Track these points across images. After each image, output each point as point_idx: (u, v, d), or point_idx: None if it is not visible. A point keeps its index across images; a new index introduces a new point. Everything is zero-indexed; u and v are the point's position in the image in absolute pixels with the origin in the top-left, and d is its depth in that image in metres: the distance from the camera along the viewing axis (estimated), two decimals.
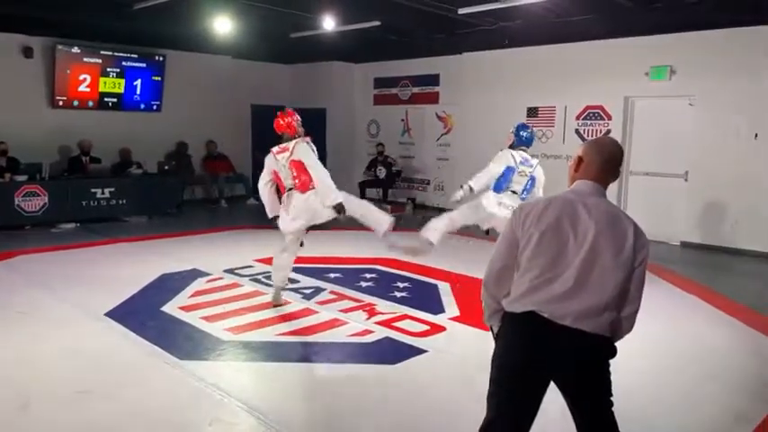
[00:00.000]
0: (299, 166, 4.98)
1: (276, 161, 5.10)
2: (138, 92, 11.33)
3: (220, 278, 6.35)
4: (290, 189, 5.08)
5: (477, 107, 10.84)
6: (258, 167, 13.28)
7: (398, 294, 5.91)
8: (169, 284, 6.05)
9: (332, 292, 5.87)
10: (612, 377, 2.25)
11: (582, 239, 2.18)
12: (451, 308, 5.49)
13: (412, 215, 11.49)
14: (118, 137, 10.73)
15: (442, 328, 4.97)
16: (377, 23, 9.71)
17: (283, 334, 4.74)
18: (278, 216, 5.28)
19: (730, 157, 8.17)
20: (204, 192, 12.23)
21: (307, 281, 6.26)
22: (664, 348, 4.59)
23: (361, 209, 5.37)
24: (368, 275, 6.57)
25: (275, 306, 5.38)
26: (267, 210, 5.38)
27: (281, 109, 5.32)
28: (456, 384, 3.91)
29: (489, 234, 5.72)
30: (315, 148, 5.17)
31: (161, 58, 11.46)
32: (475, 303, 5.01)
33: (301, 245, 5.38)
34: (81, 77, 10.54)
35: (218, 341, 4.56)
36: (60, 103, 10.39)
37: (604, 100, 9.41)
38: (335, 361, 4.33)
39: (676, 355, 4.53)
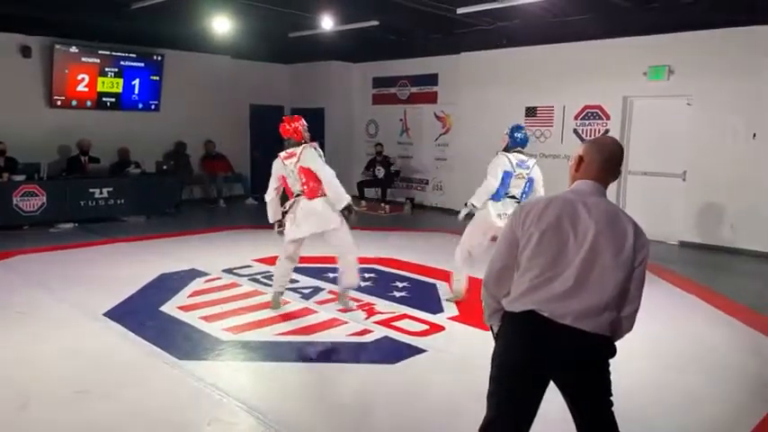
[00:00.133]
0: (308, 173, 5.00)
1: (284, 166, 5.09)
2: (137, 91, 11.31)
3: (219, 278, 6.34)
4: (299, 194, 5.08)
5: (475, 107, 10.84)
6: (256, 167, 13.42)
7: (397, 294, 5.92)
8: (168, 284, 6.04)
9: (331, 292, 5.87)
10: (612, 377, 2.26)
11: (582, 239, 2.18)
12: (450, 307, 5.48)
13: (410, 215, 11.51)
14: (116, 137, 10.72)
15: (441, 327, 4.97)
16: (375, 23, 9.71)
17: (282, 334, 4.74)
18: (280, 222, 5.27)
19: (728, 156, 8.19)
20: (202, 191, 12.21)
21: (305, 280, 6.26)
22: (663, 348, 4.59)
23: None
24: (367, 275, 6.55)
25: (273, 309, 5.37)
26: (269, 215, 5.34)
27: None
28: (455, 384, 3.91)
29: (495, 240, 5.68)
30: (322, 153, 5.18)
31: (159, 58, 11.44)
32: (474, 303, 5.03)
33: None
34: (79, 77, 10.53)
35: (217, 341, 4.55)
36: (58, 102, 10.38)
37: (603, 100, 9.42)
38: (335, 360, 4.33)
39: (676, 354, 4.54)
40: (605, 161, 2.29)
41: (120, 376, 3.90)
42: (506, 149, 5.42)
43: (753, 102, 7.97)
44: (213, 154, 12.30)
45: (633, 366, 3.78)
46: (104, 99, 10.92)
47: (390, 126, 12.77)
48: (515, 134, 5.46)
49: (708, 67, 8.22)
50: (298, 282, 6.18)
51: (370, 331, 4.82)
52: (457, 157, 11.36)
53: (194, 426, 3.33)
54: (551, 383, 2.25)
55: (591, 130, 9.59)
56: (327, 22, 9.46)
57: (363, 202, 11.71)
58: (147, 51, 11.31)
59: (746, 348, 4.68)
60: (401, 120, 12.60)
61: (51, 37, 10.16)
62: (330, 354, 4.44)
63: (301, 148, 5.04)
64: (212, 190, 12.09)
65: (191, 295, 5.71)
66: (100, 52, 10.72)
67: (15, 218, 8.70)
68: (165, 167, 10.90)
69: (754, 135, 7.98)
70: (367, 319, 5.12)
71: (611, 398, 2.27)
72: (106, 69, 10.82)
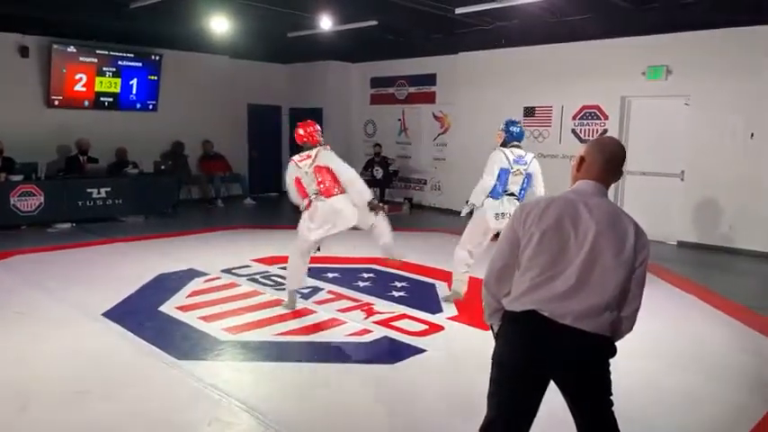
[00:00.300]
0: (323, 171, 5.06)
1: (299, 168, 5.16)
2: (135, 91, 11.29)
3: (218, 278, 6.34)
4: (315, 195, 5.10)
5: (473, 107, 10.85)
6: (254, 167, 13.37)
7: (396, 294, 5.91)
8: (166, 284, 6.04)
9: (330, 292, 5.87)
10: (612, 377, 2.26)
11: (582, 239, 2.18)
12: (450, 307, 5.48)
13: (409, 215, 11.50)
14: (114, 136, 10.69)
15: (441, 327, 4.97)
16: (374, 23, 9.70)
17: (281, 334, 4.73)
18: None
19: (726, 156, 8.20)
20: (200, 192, 12.19)
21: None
22: (663, 348, 4.59)
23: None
24: (365, 275, 6.57)
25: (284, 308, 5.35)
26: (295, 202, 5.39)
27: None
28: (455, 384, 3.91)
29: (496, 238, 5.66)
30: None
31: (157, 58, 11.42)
32: (473, 303, 5.03)
33: (318, 249, 5.40)
34: (77, 77, 10.50)
35: (217, 341, 4.55)
36: (56, 102, 10.35)
37: (601, 100, 9.44)
38: (334, 360, 4.33)
39: (676, 354, 4.54)
40: (607, 162, 2.29)
41: (119, 376, 3.89)
42: (503, 145, 5.34)
43: (751, 102, 7.98)
44: (211, 154, 12.27)
45: (633, 366, 3.78)
46: (102, 99, 10.89)
47: (388, 126, 12.78)
48: (511, 128, 5.37)
49: (706, 67, 8.24)
50: None
51: (369, 331, 4.82)
52: (455, 156, 11.36)
53: (194, 426, 3.32)
54: (552, 383, 2.25)
55: (589, 130, 9.60)
56: (326, 22, 9.46)
57: None
58: (145, 51, 11.29)
59: (746, 348, 4.69)
60: (399, 120, 12.60)
61: (49, 37, 10.13)
62: (330, 354, 4.43)
63: (316, 150, 5.13)
64: (210, 190, 12.07)
65: (189, 295, 5.70)
66: (98, 52, 10.69)
67: (13, 218, 8.68)
68: (162, 167, 10.87)
69: (752, 135, 7.99)
70: (366, 319, 5.12)
71: (612, 397, 2.27)
72: (104, 69, 10.80)
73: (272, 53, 12.78)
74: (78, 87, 10.56)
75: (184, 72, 11.78)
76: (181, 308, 5.29)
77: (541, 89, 10.00)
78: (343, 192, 5.11)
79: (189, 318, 5.03)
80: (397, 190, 12.52)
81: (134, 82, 11.23)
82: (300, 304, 5.47)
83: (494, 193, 5.29)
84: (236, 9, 8.96)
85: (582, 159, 2.33)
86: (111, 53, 10.87)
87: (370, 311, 5.32)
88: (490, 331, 2.46)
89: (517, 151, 5.31)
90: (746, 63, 7.96)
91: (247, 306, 5.39)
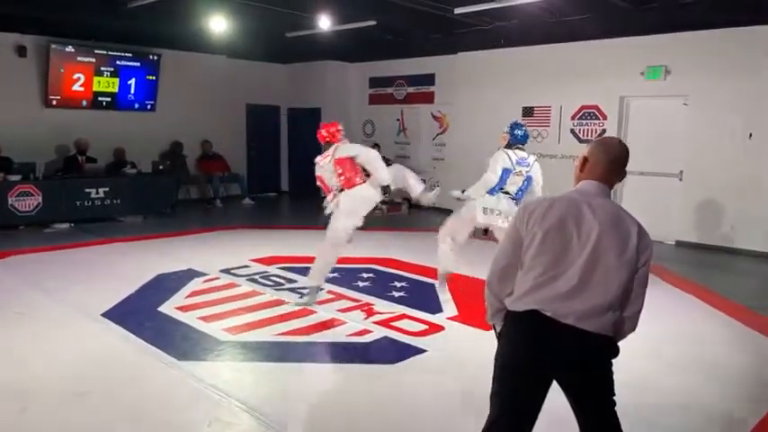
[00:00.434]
0: (343, 163, 5.21)
1: (321, 167, 5.32)
2: (133, 91, 11.27)
3: (217, 278, 6.32)
4: (338, 189, 5.24)
5: (472, 107, 10.85)
6: (253, 167, 13.35)
7: (396, 294, 5.90)
8: (165, 284, 6.02)
9: (329, 292, 5.86)
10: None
11: (585, 239, 2.18)
12: (449, 307, 5.48)
13: (408, 215, 11.51)
14: (112, 136, 10.68)
15: (441, 327, 4.97)
16: (372, 23, 9.69)
17: (281, 334, 4.72)
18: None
19: (725, 156, 8.21)
20: (199, 192, 12.17)
21: (304, 281, 6.21)
22: (663, 348, 4.58)
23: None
24: (365, 275, 6.56)
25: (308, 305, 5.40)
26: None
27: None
28: (455, 384, 3.90)
29: (487, 234, 5.71)
30: None
31: (155, 58, 11.40)
32: (473, 303, 5.03)
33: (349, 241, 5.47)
34: (75, 77, 10.48)
35: (216, 341, 4.54)
36: (54, 102, 10.33)
37: (600, 100, 9.44)
38: (334, 361, 4.32)
39: (676, 355, 4.53)
40: (611, 162, 2.30)
41: (119, 377, 3.88)
42: (508, 147, 5.46)
43: (750, 102, 7.99)
44: (210, 154, 12.26)
45: (633, 366, 3.77)
46: (100, 99, 10.88)
47: (387, 126, 12.77)
48: (515, 131, 5.51)
49: (705, 67, 8.25)
50: (296, 282, 6.18)
51: (369, 331, 4.81)
52: (454, 156, 11.36)
53: (195, 426, 3.31)
54: (554, 383, 2.25)
55: (588, 130, 9.61)
56: (325, 22, 9.45)
57: None
58: (144, 51, 11.27)
59: (746, 348, 4.69)
60: (398, 120, 12.60)
61: (47, 36, 10.12)
62: (330, 354, 4.43)
63: (335, 146, 5.30)
64: (208, 190, 12.06)
65: (189, 296, 5.69)
66: (96, 52, 10.67)
67: (11, 218, 8.66)
68: (161, 167, 10.85)
69: (751, 135, 8.00)
70: (366, 319, 5.11)
71: (614, 397, 2.26)
72: (102, 69, 10.78)
73: (271, 53, 12.78)
74: (76, 87, 10.54)
75: (183, 72, 11.76)
76: (180, 308, 5.28)
77: (540, 89, 10.00)
78: (365, 181, 5.30)
79: (188, 318, 5.02)
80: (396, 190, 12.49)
81: (132, 82, 11.22)
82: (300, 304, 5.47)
83: (490, 190, 5.40)
84: (234, 9, 8.95)
85: (585, 160, 2.33)
86: (110, 53, 10.85)
87: (370, 311, 5.31)
88: (492, 331, 2.46)
89: (520, 153, 5.43)
90: (745, 63, 7.97)
91: (247, 306, 5.37)
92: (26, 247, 7.61)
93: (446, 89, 11.52)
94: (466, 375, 3.95)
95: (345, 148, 5.30)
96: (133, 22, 9.56)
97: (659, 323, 4.93)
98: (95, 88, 10.76)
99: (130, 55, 11.10)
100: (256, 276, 6.40)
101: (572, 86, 9.61)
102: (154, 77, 11.44)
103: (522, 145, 5.52)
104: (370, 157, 5.28)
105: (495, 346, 2.34)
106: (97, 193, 9.56)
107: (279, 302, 5.50)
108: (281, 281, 6.26)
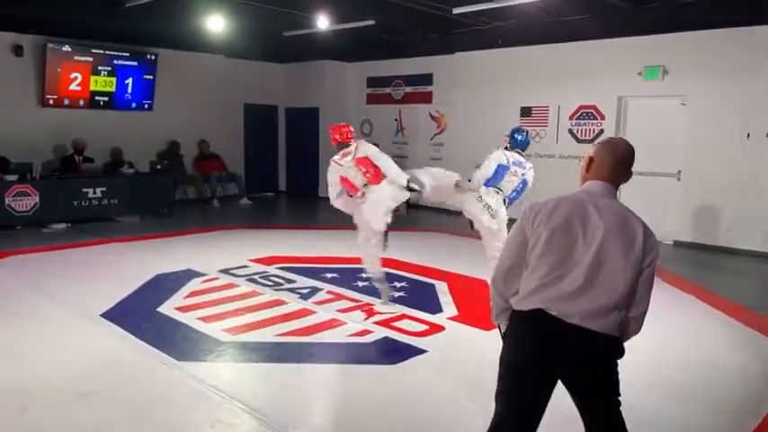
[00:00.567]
0: (366, 162, 5.27)
1: (341, 167, 5.34)
2: (130, 91, 11.23)
3: (216, 278, 6.30)
4: (365, 186, 5.27)
5: (470, 107, 10.85)
6: (251, 166, 13.32)
7: (396, 294, 5.88)
8: (164, 285, 6.00)
9: (329, 292, 5.85)
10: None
11: (591, 239, 2.18)
12: (449, 307, 5.45)
13: (406, 215, 11.48)
14: (109, 136, 10.62)
15: (441, 327, 4.94)
16: (371, 23, 9.68)
17: (282, 334, 4.71)
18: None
19: (723, 156, 8.22)
20: (196, 191, 12.14)
21: (303, 281, 6.24)
22: (663, 348, 4.58)
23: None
24: (364, 275, 6.52)
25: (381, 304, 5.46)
26: (348, 212, 5.54)
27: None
28: (456, 384, 3.90)
29: (473, 228, 5.67)
30: None
31: (153, 57, 11.36)
32: (473, 303, 5.03)
33: (385, 246, 5.53)
34: (72, 76, 10.44)
35: (216, 342, 4.52)
36: (51, 101, 10.28)
37: (598, 100, 9.45)
38: (335, 361, 4.31)
39: (675, 355, 4.54)
40: (617, 162, 2.30)
41: (120, 378, 3.86)
42: (507, 150, 5.57)
43: (749, 102, 8.00)
44: (207, 153, 12.23)
45: (633, 366, 3.77)
46: (97, 98, 10.83)
47: (385, 126, 12.75)
48: (516, 135, 5.63)
49: (703, 68, 8.26)
50: (295, 282, 6.17)
51: (369, 332, 4.80)
52: (452, 156, 11.31)
53: (196, 427, 3.30)
54: (559, 383, 2.24)
55: (585, 130, 9.61)
56: (323, 22, 9.44)
57: None
58: (141, 50, 11.23)
59: (746, 348, 4.70)
60: (396, 120, 12.59)
61: (44, 36, 10.07)
62: (330, 354, 4.42)
63: (354, 145, 5.37)
64: (206, 190, 12.03)
65: (188, 296, 5.67)
66: (93, 51, 10.62)
67: (8, 218, 8.61)
68: (158, 167, 10.82)
69: (749, 135, 8.01)
70: (366, 319, 5.10)
71: (620, 397, 2.26)
72: (99, 68, 10.73)
73: (269, 52, 12.75)
74: (73, 87, 10.50)
75: (180, 71, 11.72)
76: (180, 308, 5.26)
77: (538, 89, 10.01)
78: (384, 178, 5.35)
79: (188, 318, 5.00)
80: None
81: (129, 81, 11.18)
82: (300, 305, 5.46)
83: (486, 183, 5.48)
84: (232, 8, 8.93)
85: (591, 160, 2.33)
86: (107, 52, 10.81)
87: (370, 312, 5.30)
88: (496, 331, 2.46)
89: (517, 156, 5.54)
90: (744, 63, 7.98)
91: (247, 307, 5.36)
92: (25, 247, 7.58)
93: (444, 89, 11.51)
94: (466, 375, 3.95)
95: (364, 148, 5.38)
96: (130, 22, 9.52)
97: (659, 323, 4.90)
98: (92, 88, 10.72)
99: (128, 54, 11.06)
100: (256, 276, 6.39)
101: (570, 86, 9.62)
102: (151, 77, 11.40)
103: (523, 150, 5.62)
104: (383, 163, 5.34)
105: (498, 346, 2.34)
106: (94, 192, 9.52)
107: (279, 302, 5.49)
108: (281, 281, 6.25)
